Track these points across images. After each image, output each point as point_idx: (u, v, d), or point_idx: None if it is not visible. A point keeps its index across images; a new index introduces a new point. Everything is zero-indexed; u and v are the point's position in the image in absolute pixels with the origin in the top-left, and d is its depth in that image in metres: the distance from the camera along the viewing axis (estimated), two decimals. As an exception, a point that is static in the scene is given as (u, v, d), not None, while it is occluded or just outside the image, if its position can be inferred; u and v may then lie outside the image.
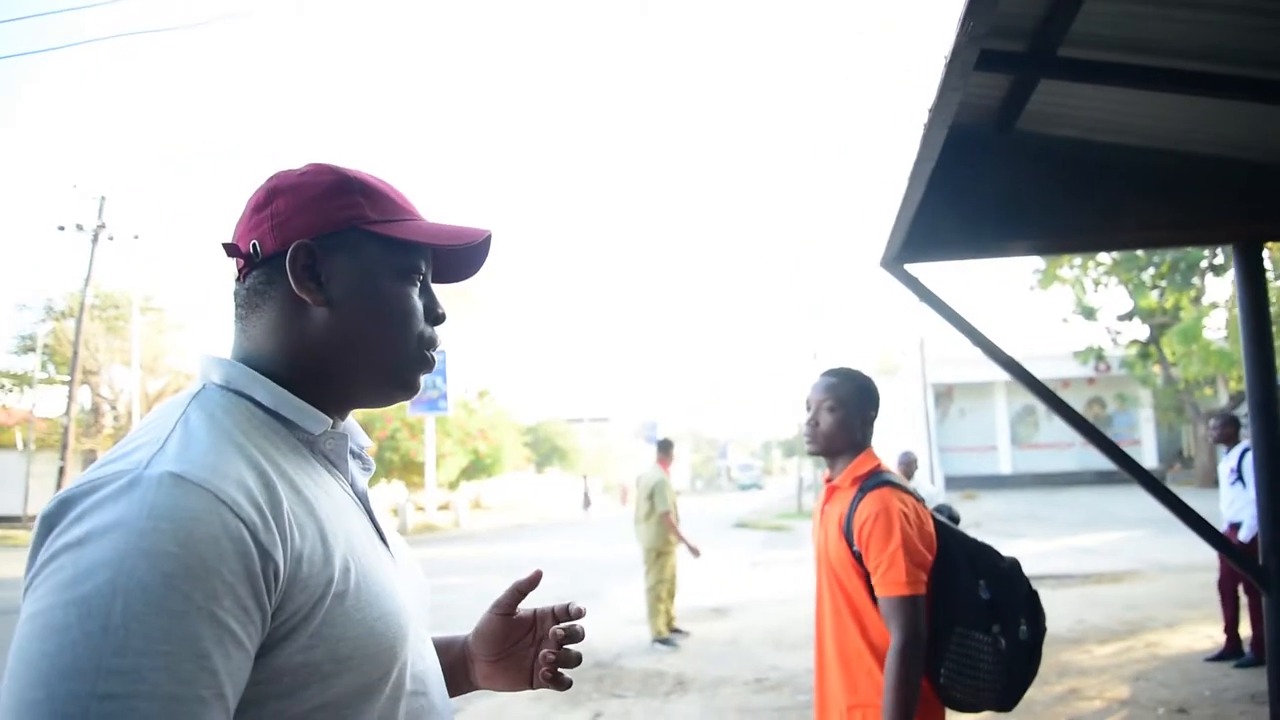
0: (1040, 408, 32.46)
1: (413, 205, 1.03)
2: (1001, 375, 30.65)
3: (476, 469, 32.07)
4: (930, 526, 2.17)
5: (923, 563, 2.09)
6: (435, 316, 1.02)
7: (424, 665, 0.97)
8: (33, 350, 31.51)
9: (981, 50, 2.01)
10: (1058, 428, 31.78)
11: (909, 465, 8.18)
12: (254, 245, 0.95)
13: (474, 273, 1.10)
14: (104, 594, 0.68)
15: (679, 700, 6.04)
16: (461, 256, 1.08)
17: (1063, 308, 44.60)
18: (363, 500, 1.01)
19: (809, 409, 2.34)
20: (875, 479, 2.21)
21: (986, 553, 2.21)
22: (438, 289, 1.07)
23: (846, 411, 2.28)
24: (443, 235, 0.98)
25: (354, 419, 1.07)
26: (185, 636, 0.69)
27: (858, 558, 2.15)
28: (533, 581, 1.17)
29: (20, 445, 29.80)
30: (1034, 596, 2.19)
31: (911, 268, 3.51)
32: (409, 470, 29.59)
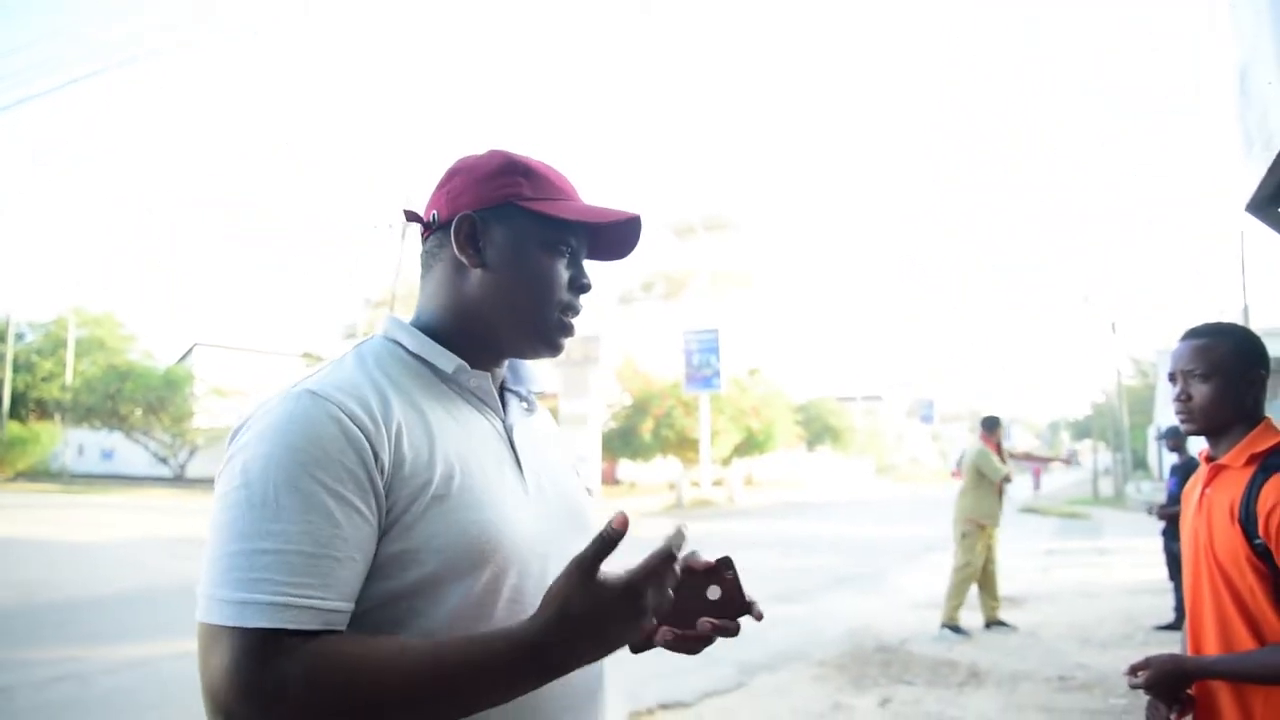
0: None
1: (572, 189, 1.18)
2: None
3: (749, 446, 32.38)
4: None
5: None
6: (579, 286, 1.16)
7: (530, 584, 1.03)
8: (354, 336, 35.64)
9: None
10: None
11: None
12: (433, 215, 1.16)
13: (628, 252, 1.23)
14: (260, 479, 0.92)
15: (974, 693, 5.74)
16: (613, 237, 1.20)
17: None
18: (508, 433, 1.14)
19: (1174, 381, 1.96)
20: None
21: None
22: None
23: (1226, 378, 1.88)
24: (587, 214, 1.13)
25: (529, 366, 1.24)
26: (321, 509, 0.91)
27: (1260, 553, 1.77)
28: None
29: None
30: None
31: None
32: (684, 446, 30.39)
